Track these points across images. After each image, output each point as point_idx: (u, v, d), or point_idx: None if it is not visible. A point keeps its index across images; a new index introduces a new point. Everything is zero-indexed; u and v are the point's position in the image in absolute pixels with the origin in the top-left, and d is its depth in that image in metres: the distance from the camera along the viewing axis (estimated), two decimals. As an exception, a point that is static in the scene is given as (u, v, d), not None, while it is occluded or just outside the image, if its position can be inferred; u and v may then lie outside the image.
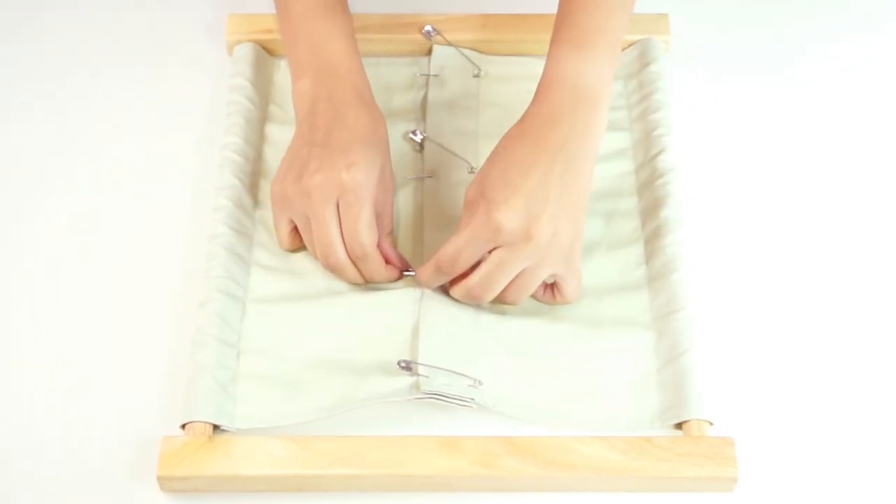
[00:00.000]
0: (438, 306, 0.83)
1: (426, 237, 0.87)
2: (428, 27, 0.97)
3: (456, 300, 0.83)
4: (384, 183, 0.85)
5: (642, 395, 0.80)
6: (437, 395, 0.78)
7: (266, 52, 0.98)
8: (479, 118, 0.95)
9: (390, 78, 0.97)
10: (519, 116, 0.90)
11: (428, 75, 0.97)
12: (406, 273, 0.85)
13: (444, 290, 0.83)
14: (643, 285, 0.85)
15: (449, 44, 0.98)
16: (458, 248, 0.80)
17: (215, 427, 0.78)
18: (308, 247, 0.86)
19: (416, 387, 0.79)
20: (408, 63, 0.99)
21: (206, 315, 0.81)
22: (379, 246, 0.83)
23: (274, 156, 0.92)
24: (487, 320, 0.83)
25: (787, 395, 0.82)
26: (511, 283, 0.81)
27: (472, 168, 0.91)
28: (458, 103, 0.95)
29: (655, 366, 0.81)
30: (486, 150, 0.90)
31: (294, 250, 0.87)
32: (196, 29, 1.02)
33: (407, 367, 0.80)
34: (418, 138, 0.93)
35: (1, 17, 1.04)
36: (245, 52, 0.96)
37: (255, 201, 0.90)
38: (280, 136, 0.93)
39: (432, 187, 0.90)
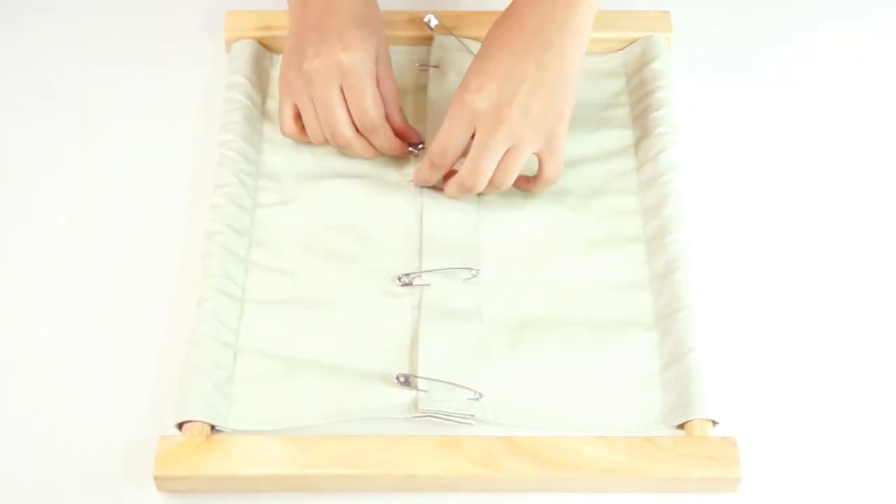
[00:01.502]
0: (438, 317, 0.83)
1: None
2: (429, 17, 0.97)
3: (454, 315, 0.83)
4: (383, 60, 0.88)
5: (646, 395, 0.80)
6: (435, 415, 0.78)
7: (264, 48, 0.98)
8: None
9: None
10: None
11: (428, 66, 0.97)
12: (416, 148, 0.90)
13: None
14: (645, 284, 0.85)
15: (450, 33, 0.97)
16: (443, 138, 0.84)
17: (213, 427, 0.78)
18: (309, 131, 0.89)
19: (415, 405, 0.79)
20: (408, 53, 0.98)
21: (203, 314, 0.81)
22: (389, 119, 0.88)
23: (272, 154, 0.92)
24: (488, 326, 0.83)
25: (790, 394, 0.82)
26: (497, 166, 0.84)
27: None
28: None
29: (659, 366, 0.81)
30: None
31: (292, 136, 0.90)
32: (194, 26, 1.02)
33: (406, 381, 0.80)
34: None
35: (0, 15, 1.04)
36: (243, 48, 0.96)
37: (254, 200, 0.89)
38: (278, 133, 0.92)
39: (433, 204, 0.89)
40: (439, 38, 0.98)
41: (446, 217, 0.88)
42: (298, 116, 0.89)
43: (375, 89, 0.86)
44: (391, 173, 0.91)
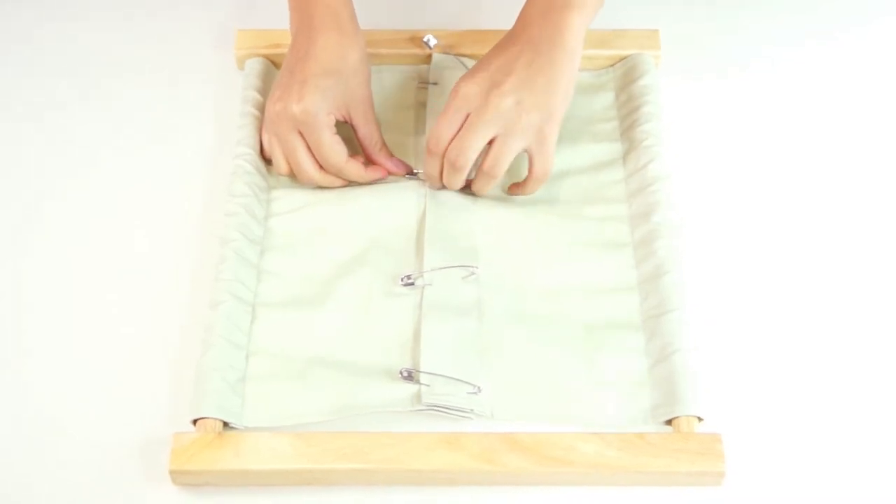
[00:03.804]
0: (439, 314, 0.84)
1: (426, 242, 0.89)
2: (428, 36, 0.99)
3: (454, 311, 0.84)
4: (357, 106, 0.90)
5: (635, 393, 0.81)
6: (436, 408, 0.80)
7: (275, 66, 0.99)
8: None
9: (391, 86, 0.99)
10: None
11: (427, 84, 0.98)
12: (413, 175, 0.92)
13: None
14: (634, 287, 0.86)
15: (448, 52, 0.99)
16: (438, 125, 0.87)
17: (225, 424, 0.79)
18: (274, 162, 0.91)
19: (417, 398, 0.80)
20: (408, 72, 1.00)
21: (217, 317, 0.83)
22: (374, 160, 0.91)
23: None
24: (487, 327, 0.84)
25: (773, 392, 0.83)
26: (488, 152, 0.86)
27: (469, 178, 0.91)
28: None
29: (647, 365, 0.83)
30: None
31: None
32: (206, 43, 1.03)
33: (408, 376, 0.81)
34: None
35: (15, 29, 1.05)
36: (256, 66, 0.98)
37: (266, 210, 0.91)
38: None
39: (433, 209, 0.91)
40: (438, 57, 0.99)
41: (445, 221, 0.89)
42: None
43: (332, 136, 0.88)
44: (394, 181, 0.92)
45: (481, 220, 0.90)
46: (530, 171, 0.89)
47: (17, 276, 0.89)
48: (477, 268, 0.87)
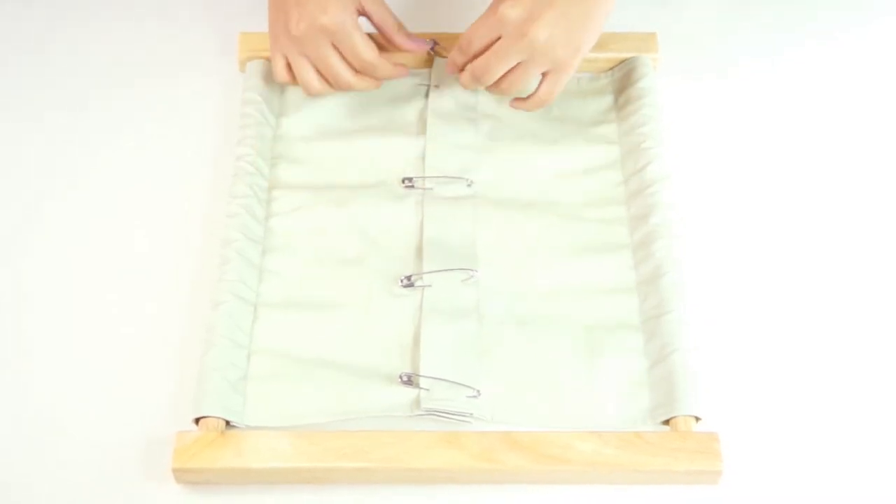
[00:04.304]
0: (438, 317, 0.85)
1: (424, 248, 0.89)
2: (430, 41, 0.98)
3: (453, 314, 0.85)
4: (367, 2, 0.92)
5: (635, 393, 0.82)
6: (436, 413, 0.80)
7: None
8: (479, 129, 0.96)
9: (391, 88, 0.99)
10: (517, 129, 0.94)
11: (428, 86, 0.99)
12: (432, 49, 0.96)
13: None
14: (633, 289, 0.87)
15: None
16: (472, 32, 0.88)
17: (227, 423, 0.80)
18: (305, 83, 0.93)
19: (417, 403, 0.81)
20: (411, 74, 0.99)
21: (219, 316, 0.83)
22: (393, 42, 0.94)
23: (284, 168, 0.94)
24: (486, 330, 0.85)
25: (770, 392, 0.84)
26: (507, 73, 0.88)
27: (469, 182, 0.93)
28: (457, 115, 0.97)
29: (646, 366, 0.83)
30: (484, 162, 0.93)
31: (285, 83, 0.95)
32: (210, 46, 1.04)
33: (408, 381, 0.81)
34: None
35: (22, 32, 1.05)
36: (257, 68, 0.98)
37: (266, 210, 0.91)
38: (290, 148, 0.95)
39: (432, 211, 0.91)
40: (439, 60, 0.99)
41: (445, 224, 0.90)
42: (289, 66, 0.93)
43: (362, 35, 0.91)
44: (395, 185, 0.93)
45: (480, 222, 0.91)
46: (537, 90, 0.91)
47: (21, 276, 0.89)
48: (476, 271, 0.87)
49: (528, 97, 0.92)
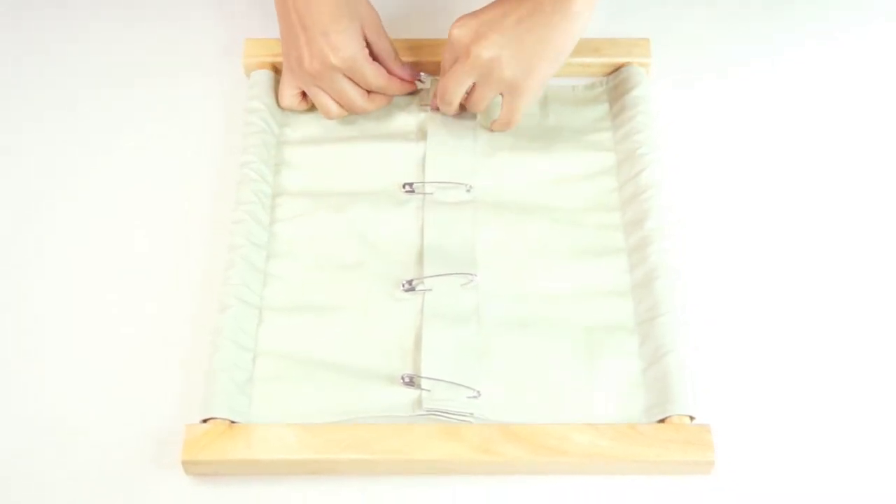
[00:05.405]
0: (439, 321, 0.86)
1: (425, 259, 0.90)
2: (420, 74, 0.99)
3: (454, 318, 0.86)
4: (371, 28, 0.94)
5: (630, 394, 0.83)
6: (437, 412, 0.82)
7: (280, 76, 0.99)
8: (478, 136, 0.97)
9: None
10: (516, 136, 0.95)
11: (428, 89, 0.99)
12: (419, 80, 0.99)
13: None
14: (627, 292, 0.88)
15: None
16: (443, 56, 0.92)
17: (233, 423, 0.81)
18: (323, 110, 0.96)
19: (418, 403, 0.82)
20: (417, 88, 1.00)
21: (225, 320, 0.84)
22: (392, 72, 0.96)
23: (288, 174, 0.95)
24: (485, 332, 0.86)
25: (761, 391, 0.84)
26: (469, 95, 0.93)
27: (469, 187, 0.93)
28: (456, 122, 0.97)
29: (641, 367, 0.84)
30: (484, 168, 0.94)
31: (291, 109, 0.98)
32: (215, 51, 1.04)
33: (410, 382, 0.83)
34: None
35: (23, 33, 1.06)
36: (262, 77, 0.99)
37: (270, 216, 0.92)
38: (294, 156, 0.97)
39: (433, 216, 0.92)
40: (435, 81, 0.99)
41: (445, 229, 0.91)
42: (301, 94, 0.97)
43: (371, 64, 0.94)
44: (395, 190, 0.94)
45: (480, 227, 0.92)
46: (500, 114, 0.94)
47: (21, 276, 0.90)
48: (475, 276, 0.88)
49: (495, 120, 0.95)
